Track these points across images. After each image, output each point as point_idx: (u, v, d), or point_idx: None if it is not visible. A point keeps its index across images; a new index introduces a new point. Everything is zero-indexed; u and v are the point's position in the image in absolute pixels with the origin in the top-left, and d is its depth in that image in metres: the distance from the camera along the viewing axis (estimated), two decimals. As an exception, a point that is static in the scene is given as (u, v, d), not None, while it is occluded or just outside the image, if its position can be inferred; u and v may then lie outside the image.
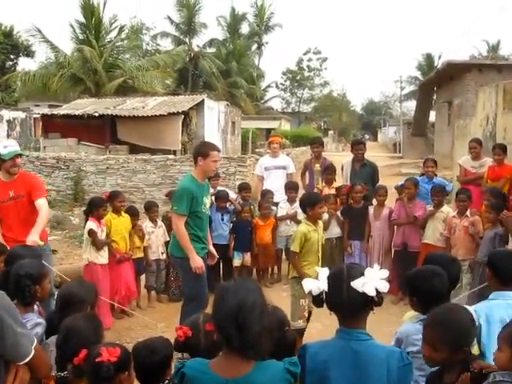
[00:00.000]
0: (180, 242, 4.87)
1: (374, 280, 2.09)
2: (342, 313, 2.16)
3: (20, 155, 5.01)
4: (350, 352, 2.10)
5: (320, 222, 5.15)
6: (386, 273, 2.15)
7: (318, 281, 2.20)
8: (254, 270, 7.37)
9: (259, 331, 1.91)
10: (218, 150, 5.10)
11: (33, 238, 4.60)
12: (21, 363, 2.21)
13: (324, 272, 2.22)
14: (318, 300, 2.20)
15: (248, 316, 1.90)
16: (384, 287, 2.11)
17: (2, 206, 4.85)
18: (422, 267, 2.86)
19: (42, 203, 4.99)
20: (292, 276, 5.15)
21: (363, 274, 2.11)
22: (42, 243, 4.97)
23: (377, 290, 2.09)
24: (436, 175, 7.36)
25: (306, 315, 4.88)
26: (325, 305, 2.22)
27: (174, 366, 2.15)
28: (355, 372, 2.08)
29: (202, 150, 4.97)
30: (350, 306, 2.11)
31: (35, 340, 2.28)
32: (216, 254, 5.44)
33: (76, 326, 2.51)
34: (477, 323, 2.78)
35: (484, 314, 2.86)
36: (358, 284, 2.08)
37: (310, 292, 2.21)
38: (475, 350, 2.78)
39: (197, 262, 4.84)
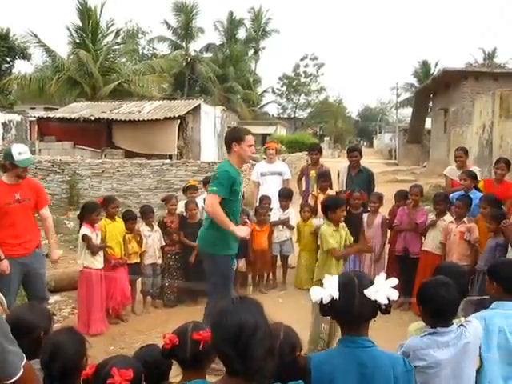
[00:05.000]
0: (216, 219, 4.55)
1: (385, 288, 2.13)
2: (349, 321, 2.17)
3: None
4: (355, 360, 2.10)
5: (341, 225, 5.18)
6: (395, 281, 2.18)
7: (325, 289, 2.18)
8: (250, 276, 7.31)
9: (263, 355, 1.77)
10: (252, 134, 4.86)
11: (57, 256, 5.30)
12: (8, 382, 2.15)
13: (333, 280, 2.20)
14: (325, 308, 2.19)
15: (250, 340, 1.76)
16: (394, 295, 2.14)
17: (8, 208, 4.79)
18: (432, 278, 2.81)
19: (47, 213, 5.28)
20: (316, 279, 5.00)
21: (373, 283, 2.14)
22: (61, 252, 5.65)
23: (387, 298, 2.12)
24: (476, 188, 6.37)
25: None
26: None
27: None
28: (362, 380, 2.08)
29: (236, 135, 4.72)
30: (358, 314, 2.12)
31: (24, 357, 2.22)
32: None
33: (61, 342, 2.40)
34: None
35: (483, 323, 2.84)
36: (370, 292, 2.10)
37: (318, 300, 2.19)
38: (476, 360, 2.78)
39: (241, 231, 4.59)
